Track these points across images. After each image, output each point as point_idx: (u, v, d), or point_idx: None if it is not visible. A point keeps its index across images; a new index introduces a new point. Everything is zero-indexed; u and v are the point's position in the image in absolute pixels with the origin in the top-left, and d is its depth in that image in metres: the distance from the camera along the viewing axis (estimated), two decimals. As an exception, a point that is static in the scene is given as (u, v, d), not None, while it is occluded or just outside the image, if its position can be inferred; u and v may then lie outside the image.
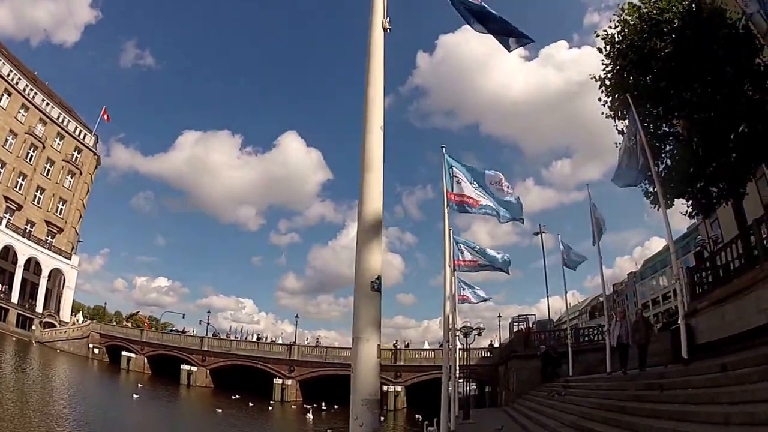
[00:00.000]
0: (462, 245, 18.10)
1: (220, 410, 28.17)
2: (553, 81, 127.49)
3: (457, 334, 20.29)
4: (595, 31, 16.22)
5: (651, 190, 15.41)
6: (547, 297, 42.26)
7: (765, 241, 10.92)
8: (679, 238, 67.98)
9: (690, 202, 15.93)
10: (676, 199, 15.38)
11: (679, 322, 11.24)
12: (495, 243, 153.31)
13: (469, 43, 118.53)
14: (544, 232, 42.99)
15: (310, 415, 29.36)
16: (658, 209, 16.02)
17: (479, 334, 23.63)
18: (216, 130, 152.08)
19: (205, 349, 45.07)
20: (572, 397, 14.72)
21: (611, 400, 11.11)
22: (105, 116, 61.77)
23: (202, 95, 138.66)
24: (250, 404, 32.86)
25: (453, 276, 17.87)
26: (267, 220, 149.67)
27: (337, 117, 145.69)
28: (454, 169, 11.08)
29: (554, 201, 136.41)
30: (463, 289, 20.60)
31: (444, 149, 11.27)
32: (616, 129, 16.48)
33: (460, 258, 18.64)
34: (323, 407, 32.86)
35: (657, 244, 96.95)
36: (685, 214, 16.95)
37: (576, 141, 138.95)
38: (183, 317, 57.71)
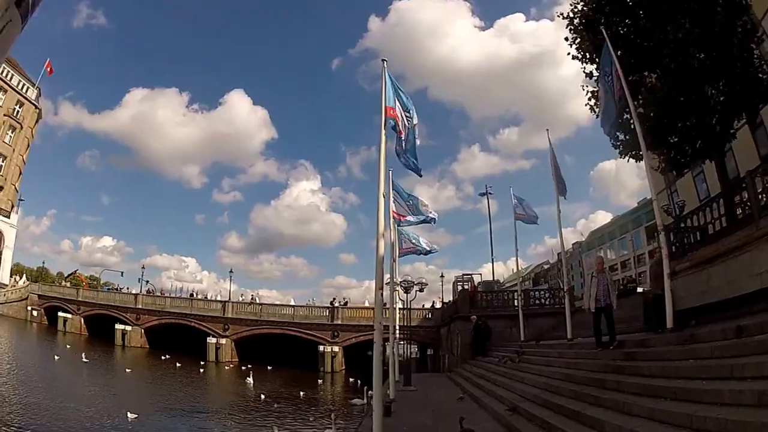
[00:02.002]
0: (399, 195, 16.18)
1: (129, 369, 26.24)
2: (506, 51, 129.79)
3: (396, 288, 18.18)
4: None
5: (621, 138, 14.39)
6: (492, 260, 41.10)
7: (762, 196, 9.52)
8: (630, 211, 69.87)
9: (662, 157, 14.68)
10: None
11: (664, 283, 9.41)
12: (437, 207, 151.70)
13: (423, 10, 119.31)
14: (490, 194, 42.87)
15: (250, 379, 26.10)
16: (627, 160, 14.91)
17: (421, 290, 21.53)
18: (164, 88, 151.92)
19: (140, 307, 43.17)
20: (529, 365, 13.02)
21: (583, 371, 9.31)
22: (48, 69, 57.47)
23: (151, 53, 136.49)
24: (178, 365, 30.82)
25: (394, 227, 15.76)
26: (210, 178, 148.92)
27: (286, 76, 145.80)
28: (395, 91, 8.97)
29: (499, 168, 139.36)
30: (407, 240, 18.47)
31: (385, 63, 8.84)
32: (584, 72, 15.03)
33: (400, 204, 16.65)
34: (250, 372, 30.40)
35: (602, 217, 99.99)
36: (656, 169, 15.48)
37: (525, 110, 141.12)
38: (122, 275, 56.27)
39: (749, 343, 6.48)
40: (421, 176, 9.91)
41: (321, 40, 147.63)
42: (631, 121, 12.44)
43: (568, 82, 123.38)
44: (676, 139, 13.27)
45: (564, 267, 16.21)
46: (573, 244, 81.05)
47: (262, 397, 20.38)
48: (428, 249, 19.50)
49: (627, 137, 14.18)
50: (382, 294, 7.78)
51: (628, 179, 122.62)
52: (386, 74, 8.79)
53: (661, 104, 12.78)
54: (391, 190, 16.57)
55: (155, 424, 14.41)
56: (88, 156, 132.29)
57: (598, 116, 14.01)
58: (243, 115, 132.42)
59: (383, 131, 8.46)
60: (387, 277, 15.88)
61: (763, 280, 8.76)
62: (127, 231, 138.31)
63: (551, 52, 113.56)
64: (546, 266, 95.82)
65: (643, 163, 11.51)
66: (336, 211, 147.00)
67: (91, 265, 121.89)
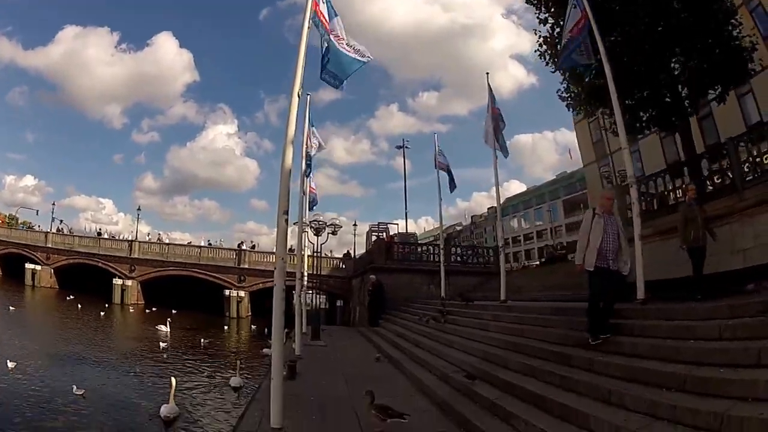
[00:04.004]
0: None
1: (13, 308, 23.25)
2: (437, 19, 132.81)
3: (305, 230, 15.91)
4: None
5: (571, 91, 13.15)
6: (406, 215, 39.65)
7: (745, 165, 8.74)
8: (548, 183, 71.89)
9: (613, 119, 13.40)
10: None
11: (635, 249, 7.91)
12: (352, 160, 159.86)
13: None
14: (407, 147, 42.40)
15: (164, 327, 21.98)
16: (576, 113, 14.10)
17: (334, 233, 19.23)
18: (96, 26, 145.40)
19: (50, 245, 41.34)
20: (456, 327, 11.48)
21: (534, 341, 7.71)
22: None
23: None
24: (80, 306, 28.04)
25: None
26: (131, 118, 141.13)
27: (213, 19, 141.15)
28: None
29: (415, 129, 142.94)
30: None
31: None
32: (538, 18, 13.08)
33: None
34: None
35: (516, 186, 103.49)
36: (608, 129, 14.43)
37: (448, 78, 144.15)
38: (36, 213, 50.93)
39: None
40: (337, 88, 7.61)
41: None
42: (589, 72, 11.43)
43: (496, 54, 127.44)
44: (631, 103, 11.98)
45: (499, 222, 14.70)
46: (488, 209, 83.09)
47: (161, 345, 17.53)
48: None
49: (579, 90, 12.84)
50: (286, 221, 5.90)
51: (544, 154, 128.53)
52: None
53: (620, 66, 11.56)
54: (306, 117, 14.13)
55: (37, 373, 11.47)
56: (18, 92, 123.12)
57: (547, 63, 12.77)
58: (168, 57, 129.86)
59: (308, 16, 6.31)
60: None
61: (747, 258, 7.70)
62: (49, 170, 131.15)
63: (482, 26, 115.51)
64: (459, 227, 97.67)
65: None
66: (250, 156, 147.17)
67: (13, 204, 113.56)
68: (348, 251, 40.58)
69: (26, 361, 12.02)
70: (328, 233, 18.19)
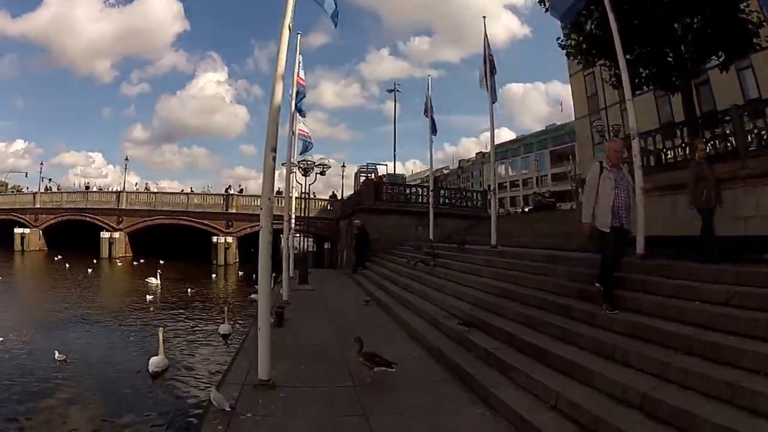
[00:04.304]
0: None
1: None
2: None
3: (293, 170, 15.35)
4: None
5: (571, 39, 12.85)
6: (395, 157, 38.84)
7: (749, 136, 8.49)
8: (537, 133, 71.10)
9: (615, 71, 13.06)
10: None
11: (637, 202, 7.59)
12: (342, 103, 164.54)
13: None
14: (398, 91, 42.03)
15: (154, 280, 21.16)
16: (578, 62, 13.75)
17: (323, 173, 18.58)
18: None
19: (38, 206, 40.93)
20: (447, 271, 11.26)
21: (530, 289, 7.49)
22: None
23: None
24: (67, 266, 27.32)
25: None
26: (121, 71, 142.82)
27: None
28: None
29: (406, 73, 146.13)
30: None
31: None
32: None
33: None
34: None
35: (506, 134, 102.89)
36: (608, 82, 14.17)
37: (440, 23, 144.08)
38: (26, 176, 49.15)
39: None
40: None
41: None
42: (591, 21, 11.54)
43: (490, 2, 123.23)
44: (630, 58, 11.60)
45: (492, 165, 14.24)
46: (476, 154, 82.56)
47: (148, 298, 17.08)
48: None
49: (580, 39, 12.53)
50: (274, 159, 5.45)
51: (535, 104, 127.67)
52: None
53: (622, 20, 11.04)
54: (297, 54, 13.28)
55: (20, 344, 10.86)
56: (7, 61, 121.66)
57: (546, 9, 12.19)
58: (157, 8, 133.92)
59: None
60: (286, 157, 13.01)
61: (748, 227, 7.47)
62: (39, 132, 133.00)
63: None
64: (446, 171, 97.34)
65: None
66: (240, 102, 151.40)
67: (3, 171, 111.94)
68: (333, 192, 40.24)
69: (9, 334, 11.46)
70: (317, 174, 17.65)
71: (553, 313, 6.24)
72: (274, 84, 5.76)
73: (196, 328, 13.36)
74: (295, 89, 13.38)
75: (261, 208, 5.60)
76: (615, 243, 5.74)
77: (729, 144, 8.92)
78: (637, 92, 9.26)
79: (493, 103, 13.46)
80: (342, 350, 6.80)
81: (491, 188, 14.24)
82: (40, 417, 6.67)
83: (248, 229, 35.14)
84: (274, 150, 5.44)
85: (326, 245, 35.22)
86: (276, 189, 29.50)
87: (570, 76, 32.98)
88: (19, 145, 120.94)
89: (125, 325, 13.38)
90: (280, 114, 5.90)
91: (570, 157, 50.84)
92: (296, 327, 8.50)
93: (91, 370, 8.91)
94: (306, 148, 15.47)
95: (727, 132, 9.08)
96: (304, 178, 16.36)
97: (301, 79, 13.63)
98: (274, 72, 5.82)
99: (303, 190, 17.60)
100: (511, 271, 8.84)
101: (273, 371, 5.37)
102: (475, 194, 25.91)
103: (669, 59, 11.44)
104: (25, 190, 47.17)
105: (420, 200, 22.65)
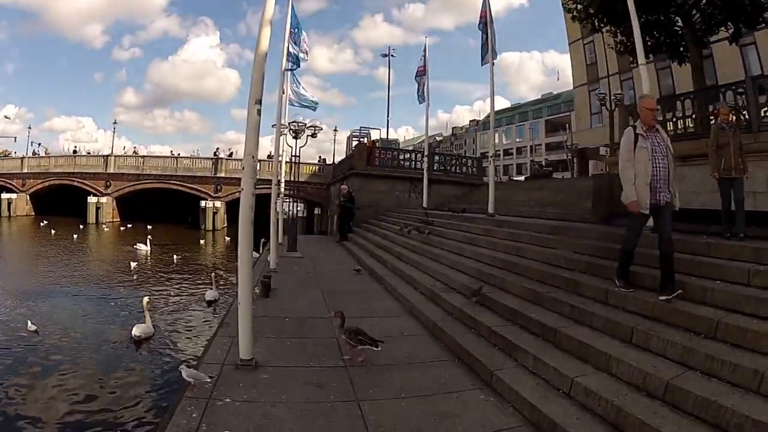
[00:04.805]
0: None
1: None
2: None
3: (284, 132, 14.59)
4: None
5: (577, 2, 12.70)
6: (388, 123, 37.92)
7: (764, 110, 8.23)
8: (532, 101, 70.00)
9: (620, 37, 12.88)
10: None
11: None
12: (334, 68, 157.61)
13: None
14: (393, 56, 41.04)
15: (144, 246, 20.41)
16: (582, 26, 13.95)
17: (314, 135, 17.74)
18: None
19: (25, 171, 40.05)
20: (443, 239, 10.78)
21: (534, 262, 7.03)
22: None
23: None
24: (53, 231, 26.60)
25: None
26: (112, 36, 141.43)
27: None
28: None
29: (400, 40, 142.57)
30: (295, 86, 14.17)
31: None
32: None
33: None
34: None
35: (500, 102, 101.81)
36: (614, 48, 13.95)
37: None
38: (15, 141, 46.77)
39: None
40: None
41: None
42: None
43: None
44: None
45: (492, 131, 13.57)
46: (470, 122, 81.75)
47: (132, 265, 16.45)
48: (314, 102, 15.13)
49: (587, 2, 12.35)
50: (259, 111, 4.83)
51: (530, 73, 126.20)
52: None
53: None
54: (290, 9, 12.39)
55: None
56: None
57: None
58: None
59: None
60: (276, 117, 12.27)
61: (758, 202, 7.04)
62: (29, 97, 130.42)
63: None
64: (439, 138, 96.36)
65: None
66: (232, 66, 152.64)
67: None
68: (320, 157, 39.46)
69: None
70: (308, 136, 16.87)
71: (561, 288, 5.78)
72: (260, 29, 5.15)
73: (183, 295, 12.97)
74: (286, 46, 12.52)
75: (242, 167, 5.05)
76: (642, 224, 5.08)
77: (742, 117, 8.54)
78: (639, 63, 8.80)
79: (493, 59, 12.75)
80: (332, 324, 6.32)
81: (491, 154, 13.68)
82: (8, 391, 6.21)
83: (237, 194, 33.56)
84: (259, 102, 4.84)
85: (316, 210, 34.62)
86: (267, 153, 28.47)
87: (569, 44, 32.52)
88: (10, 110, 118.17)
89: (110, 293, 12.88)
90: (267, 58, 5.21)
91: (568, 125, 50.37)
92: (283, 298, 8.00)
93: (71, 341, 8.49)
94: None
95: (740, 104, 8.71)
96: (294, 140, 15.55)
97: (305, 43, 12.81)
98: (261, 15, 5.20)
99: (293, 153, 16.70)
100: (513, 242, 8.38)
101: (256, 349, 4.90)
102: (470, 160, 25.27)
103: (676, 28, 11.29)
104: (13, 155, 45.63)
105: (413, 166, 22.04)
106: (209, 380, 4.21)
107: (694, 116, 9.46)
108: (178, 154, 40.94)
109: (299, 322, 6.59)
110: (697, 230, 6.19)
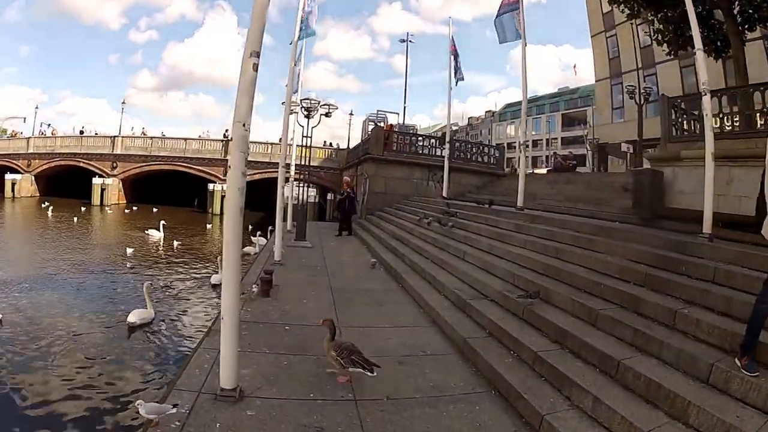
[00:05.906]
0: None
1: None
2: None
3: (297, 110, 13.59)
4: None
5: None
6: (404, 109, 36.22)
7: None
8: (550, 95, 67.90)
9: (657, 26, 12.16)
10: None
11: (706, 170, 6.22)
12: (351, 55, 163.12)
13: None
14: (411, 41, 40.29)
15: (156, 233, 19.19)
16: (622, 9, 12.42)
17: (328, 115, 16.50)
18: None
19: (31, 151, 38.69)
20: (468, 234, 9.71)
21: (579, 268, 5.92)
22: None
23: None
24: (50, 215, 25.29)
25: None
26: (129, 18, 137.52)
27: None
28: None
29: (417, 28, 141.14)
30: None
31: None
32: None
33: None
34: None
35: (515, 94, 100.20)
36: (653, 36, 13.23)
37: None
38: (24, 121, 46.37)
39: None
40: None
41: None
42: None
43: None
44: (672, 14, 10.90)
45: (523, 117, 12.27)
46: (486, 112, 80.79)
47: (128, 251, 15.05)
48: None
49: None
50: (255, 66, 3.85)
51: (546, 67, 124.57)
52: None
53: None
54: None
55: None
56: (15, 8, 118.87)
57: None
58: None
59: None
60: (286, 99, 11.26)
61: None
62: (44, 79, 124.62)
63: None
64: (454, 128, 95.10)
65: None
66: None
67: (6, 118, 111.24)
68: (331, 143, 38.55)
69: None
70: (321, 115, 15.72)
71: (617, 305, 4.73)
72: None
73: (187, 280, 12.34)
74: (300, 15, 11.46)
75: (230, 138, 4.12)
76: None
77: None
78: (669, 58, 7.74)
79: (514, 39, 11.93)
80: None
81: (522, 142, 12.54)
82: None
83: (248, 177, 33.39)
84: (257, 55, 3.82)
85: (329, 196, 33.55)
86: (279, 138, 27.30)
87: (591, 36, 31.53)
88: (25, 92, 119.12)
89: (108, 280, 11.94)
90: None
91: (586, 120, 48.86)
92: (285, 297, 7.00)
93: (46, 328, 7.66)
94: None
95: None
96: (306, 119, 14.36)
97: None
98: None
99: (304, 134, 15.32)
100: (551, 241, 7.28)
101: (244, 370, 3.95)
102: (491, 149, 24.03)
103: (714, 21, 10.73)
104: (20, 136, 44.68)
105: (432, 153, 20.85)
106: (174, 410, 3.30)
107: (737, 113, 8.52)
108: (199, 137, 40.12)
109: (301, 331, 5.54)
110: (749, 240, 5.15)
